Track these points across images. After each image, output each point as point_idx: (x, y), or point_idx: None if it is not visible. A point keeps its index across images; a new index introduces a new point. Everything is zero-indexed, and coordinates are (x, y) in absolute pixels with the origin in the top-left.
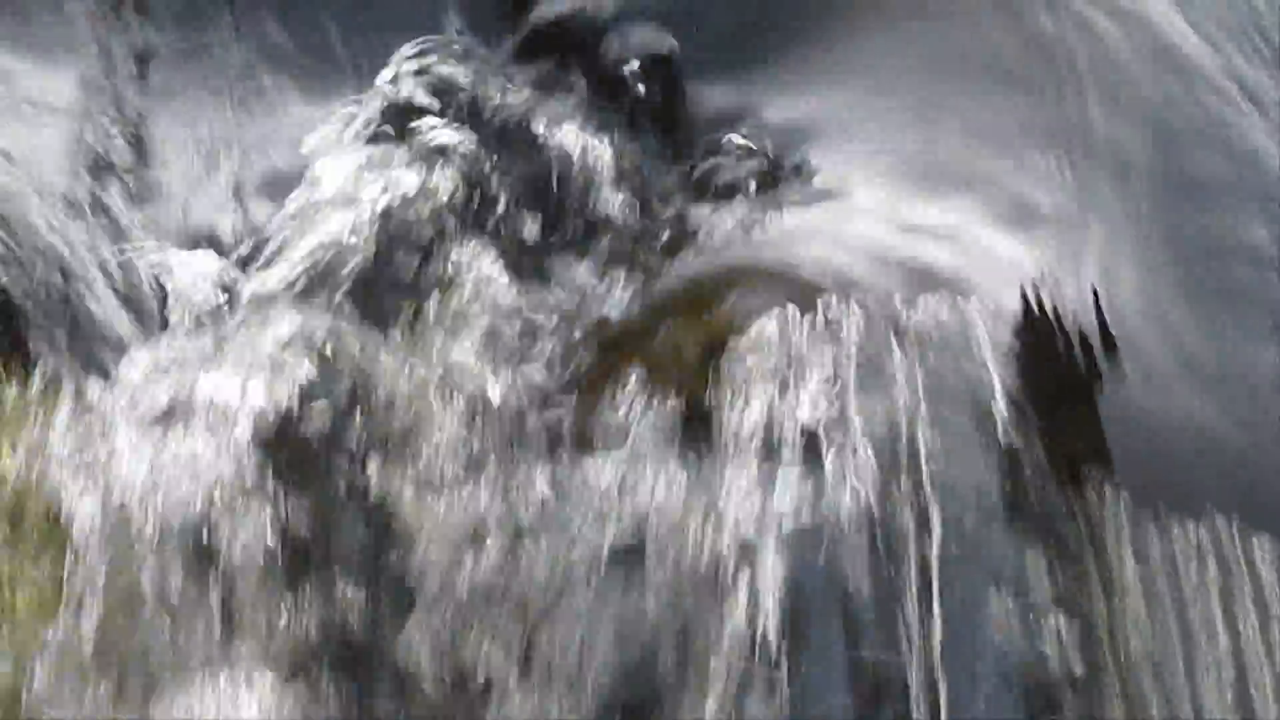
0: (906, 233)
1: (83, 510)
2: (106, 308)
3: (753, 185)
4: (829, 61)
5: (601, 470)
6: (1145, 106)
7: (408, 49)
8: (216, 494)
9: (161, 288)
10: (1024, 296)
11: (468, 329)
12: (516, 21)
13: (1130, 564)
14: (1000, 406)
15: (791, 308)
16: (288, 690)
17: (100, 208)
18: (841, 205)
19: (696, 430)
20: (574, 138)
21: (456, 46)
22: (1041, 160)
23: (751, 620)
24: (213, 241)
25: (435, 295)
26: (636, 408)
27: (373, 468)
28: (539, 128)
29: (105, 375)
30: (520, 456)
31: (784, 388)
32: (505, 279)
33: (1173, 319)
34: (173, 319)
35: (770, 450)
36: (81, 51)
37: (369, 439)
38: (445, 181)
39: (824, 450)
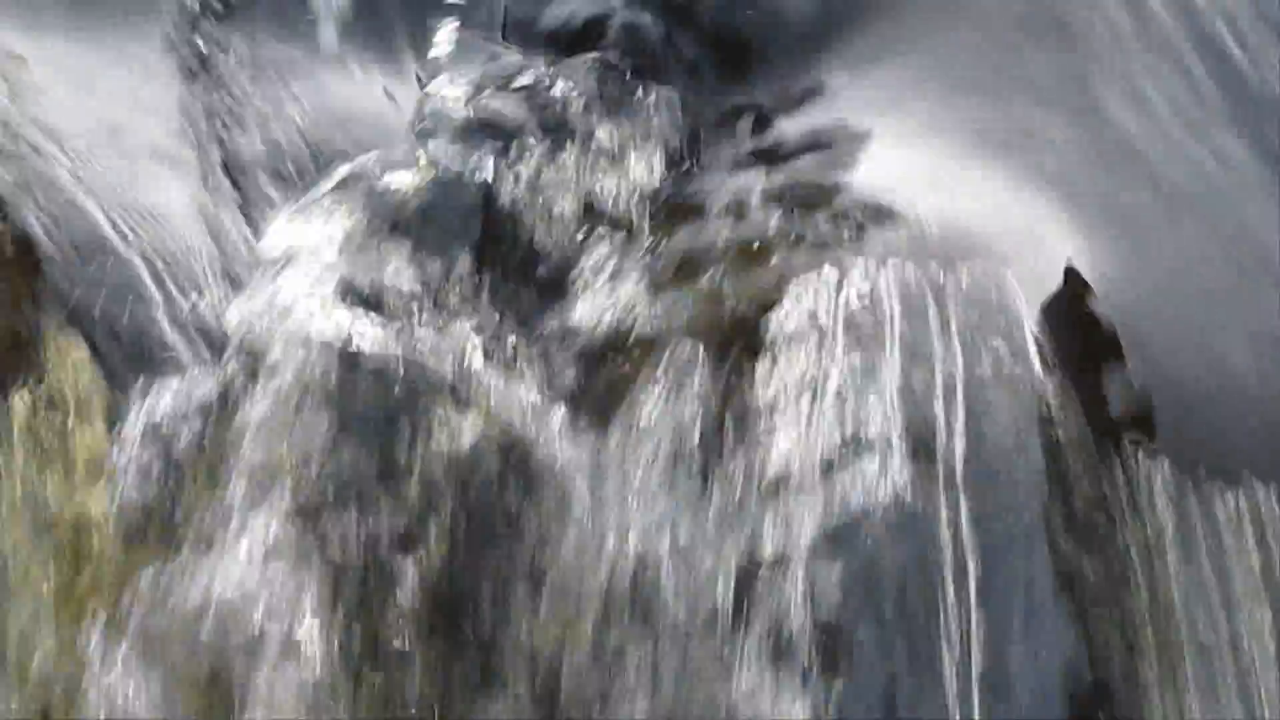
0: (950, 202)
1: None
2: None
3: (799, 154)
4: (884, 32)
5: (635, 442)
6: (1188, 81)
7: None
8: None
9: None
10: (1064, 265)
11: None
12: None
13: (1171, 533)
14: (1039, 375)
15: (830, 273)
16: None
17: None
18: (887, 172)
19: (733, 395)
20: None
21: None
22: (1089, 131)
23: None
24: None
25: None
26: (671, 376)
27: None
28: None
29: None
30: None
31: (821, 355)
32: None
33: (1212, 287)
34: None
35: (807, 418)
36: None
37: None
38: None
39: (860, 418)
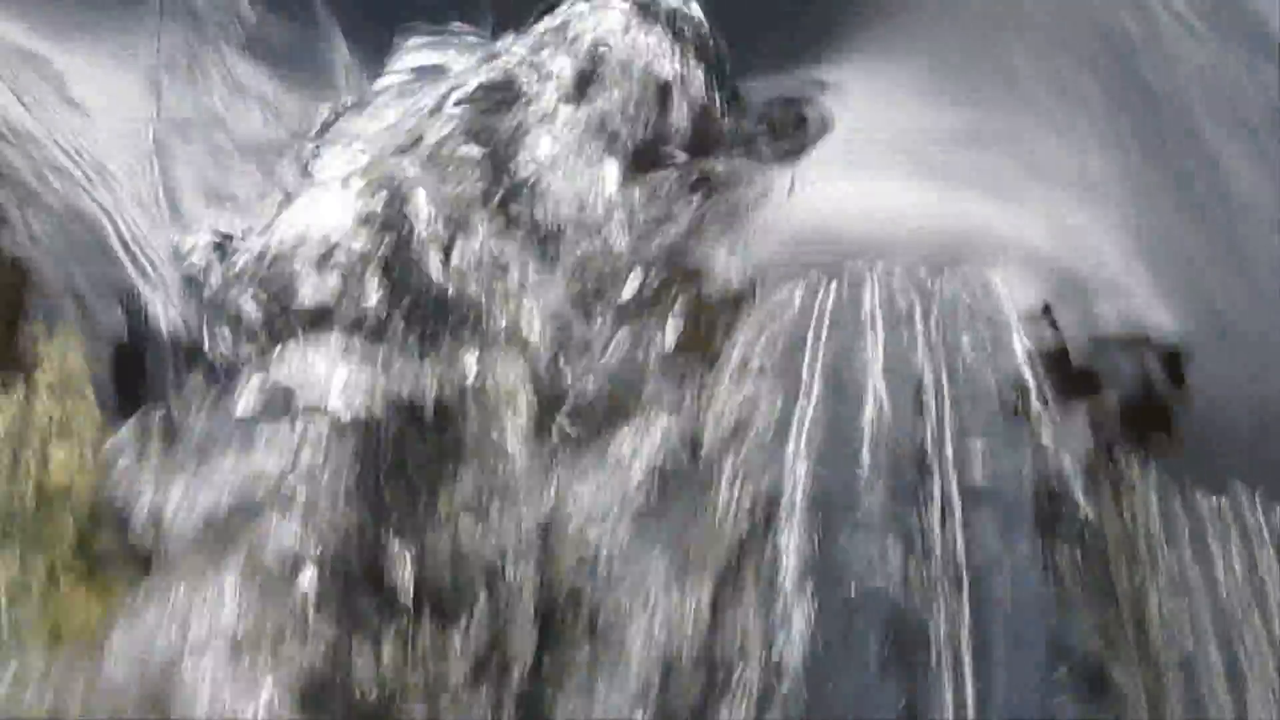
0: (936, 201)
1: None
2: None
3: (787, 147)
4: (874, 26)
5: (626, 430)
6: (1183, 74)
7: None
8: None
9: None
10: (1051, 268)
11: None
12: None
13: (1157, 537)
14: (1025, 378)
15: (815, 273)
16: None
17: None
18: (874, 170)
19: (715, 392)
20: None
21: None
22: (1079, 129)
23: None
24: None
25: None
26: (657, 368)
27: None
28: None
29: None
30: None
31: (805, 354)
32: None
33: (1199, 290)
34: None
35: (788, 419)
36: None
37: None
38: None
39: (844, 419)
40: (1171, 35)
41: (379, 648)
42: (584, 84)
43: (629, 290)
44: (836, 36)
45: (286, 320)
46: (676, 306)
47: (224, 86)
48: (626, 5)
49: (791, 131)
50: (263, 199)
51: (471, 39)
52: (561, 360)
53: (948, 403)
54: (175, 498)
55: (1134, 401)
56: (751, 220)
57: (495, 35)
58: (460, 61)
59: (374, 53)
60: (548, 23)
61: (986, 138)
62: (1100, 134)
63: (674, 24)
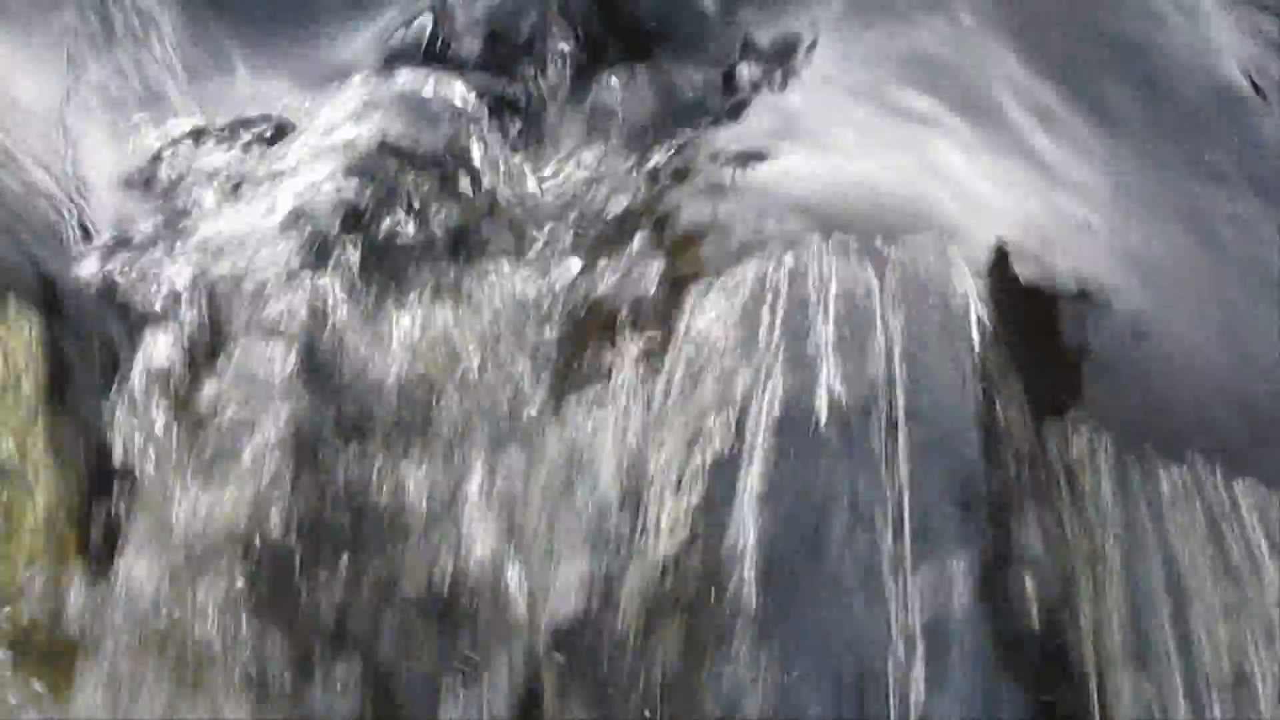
0: (893, 172)
1: None
2: None
3: (740, 117)
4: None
5: (582, 398)
6: (1141, 52)
7: None
8: None
9: None
10: (1008, 239)
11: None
12: None
13: (1113, 508)
14: (981, 348)
15: (772, 245)
16: None
17: None
18: (829, 141)
19: (671, 362)
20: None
21: None
22: (1035, 102)
23: (729, 562)
24: None
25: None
26: (618, 345)
27: None
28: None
29: None
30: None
31: (760, 326)
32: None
33: (1157, 263)
34: None
35: (746, 387)
36: None
37: None
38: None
39: (800, 390)
40: None
41: None
42: None
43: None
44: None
45: None
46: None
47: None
48: None
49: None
50: None
51: None
52: None
53: (902, 370)
54: None
55: (1090, 367)
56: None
57: None
58: None
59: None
60: None
61: (945, 102)
62: (1062, 94)
63: None
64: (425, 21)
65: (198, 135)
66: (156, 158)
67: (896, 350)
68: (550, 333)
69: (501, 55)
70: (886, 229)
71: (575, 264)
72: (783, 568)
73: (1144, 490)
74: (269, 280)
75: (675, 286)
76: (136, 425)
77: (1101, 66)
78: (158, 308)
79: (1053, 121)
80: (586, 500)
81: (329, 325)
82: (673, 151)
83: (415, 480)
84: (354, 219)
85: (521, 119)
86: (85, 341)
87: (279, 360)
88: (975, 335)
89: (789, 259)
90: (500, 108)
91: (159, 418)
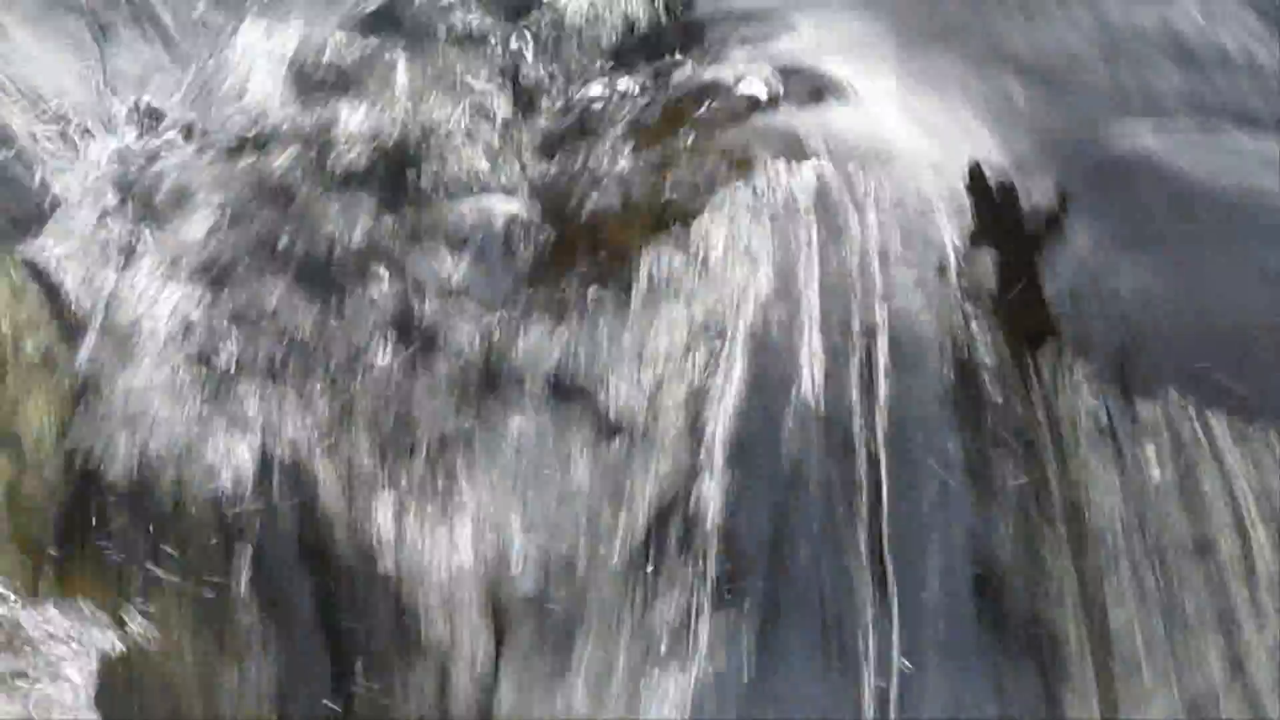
0: (870, 105)
1: None
2: None
3: (719, 54)
4: None
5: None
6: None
7: None
8: None
9: None
10: (985, 172)
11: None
12: None
13: (1088, 441)
14: (957, 283)
15: (752, 174)
16: None
17: None
18: (807, 76)
19: (655, 291)
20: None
21: None
22: (1009, 39)
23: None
24: None
25: None
26: (596, 275)
27: None
28: None
29: None
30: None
31: (740, 253)
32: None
33: (1132, 197)
34: None
35: (725, 316)
36: None
37: None
38: None
39: (776, 317)
40: None
41: None
42: None
43: None
44: None
45: None
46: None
47: None
48: None
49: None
50: None
51: None
52: None
53: (878, 302)
54: None
55: (1065, 299)
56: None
57: None
58: None
59: None
60: None
61: (926, 43)
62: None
63: None
64: None
65: None
66: None
67: (874, 283)
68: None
69: None
70: (862, 160)
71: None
72: (756, 476)
73: (1120, 420)
74: None
75: (656, 212)
76: None
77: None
78: None
79: (1035, 57)
80: None
81: None
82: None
83: None
84: None
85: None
86: None
87: None
88: (952, 265)
89: (763, 186)
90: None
91: None
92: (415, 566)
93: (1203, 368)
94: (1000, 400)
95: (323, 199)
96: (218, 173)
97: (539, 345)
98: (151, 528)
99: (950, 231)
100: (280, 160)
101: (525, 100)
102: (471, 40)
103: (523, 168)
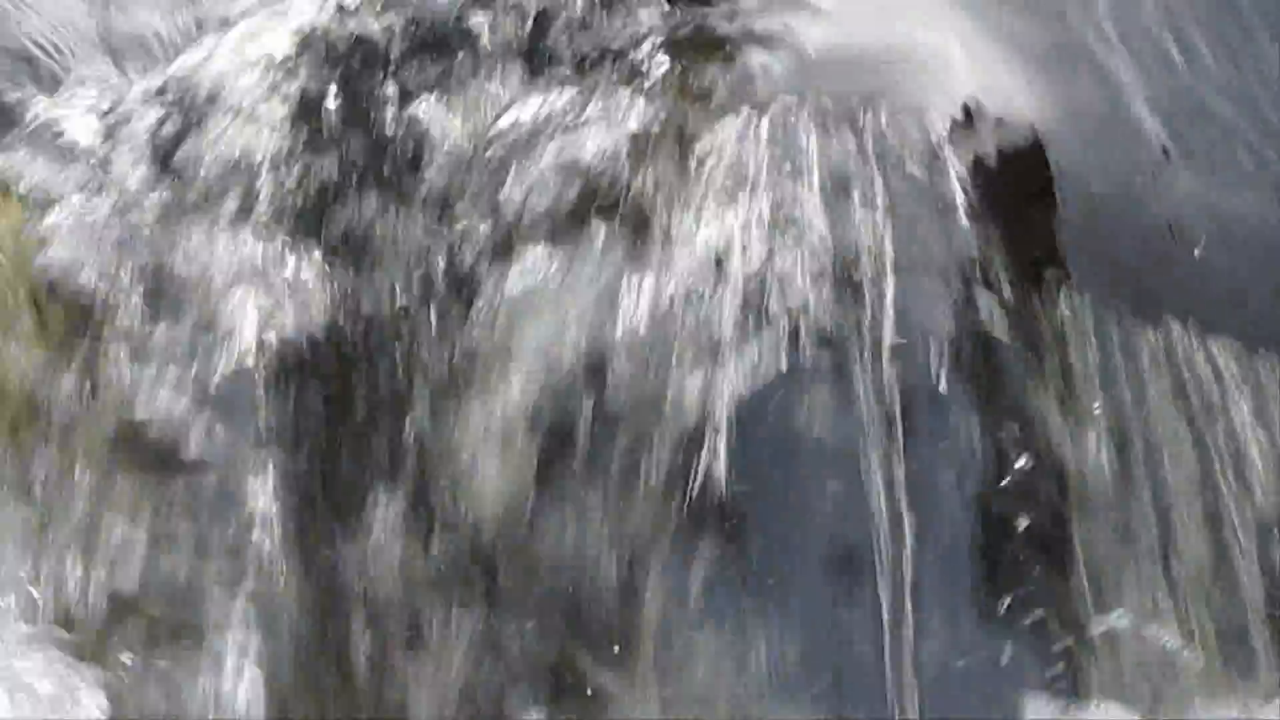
0: (871, 41)
1: None
2: None
3: None
4: None
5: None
6: None
7: None
8: None
9: None
10: (987, 106)
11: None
12: None
13: (1092, 368)
14: (962, 213)
15: (750, 113)
16: None
17: None
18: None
19: (653, 235)
20: None
21: None
22: None
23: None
24: None
25: None
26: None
27: None
28: None
29: None
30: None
31: (742, 192)
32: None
33: (1133, 126)
34: None
35: (727, 255)
36: None
37: None
38: None
39: (780, 255)
40: None
41: None
42: None
43: None
44: None
45: None
46: None
47: None
48: None
49: None
50: None
51: None
52: None
53: (885, 235)
54: None
55: (1069, 230)
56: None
57: None
58: None
59: None
60: None
61: None
62: None
63: None
64: None
65: None
66: None
67: (879, 215)
68: None
69: None
70: (867, 98)
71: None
72: (764, 416)
73: (1122, 350)
74: None
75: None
76: None
77: None
78: None
79: None
80: None
81: None
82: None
83: None
84: None
85: None
86: None
87: None
88: (957, 196)
89: (765, 125)
90: None
91: None
92: None
93: (1206, 295)
94: (1009, 328)
95: None
96: None
97: None
98: None
99: (955, 164)
100: None
101: None
102: None
103: None
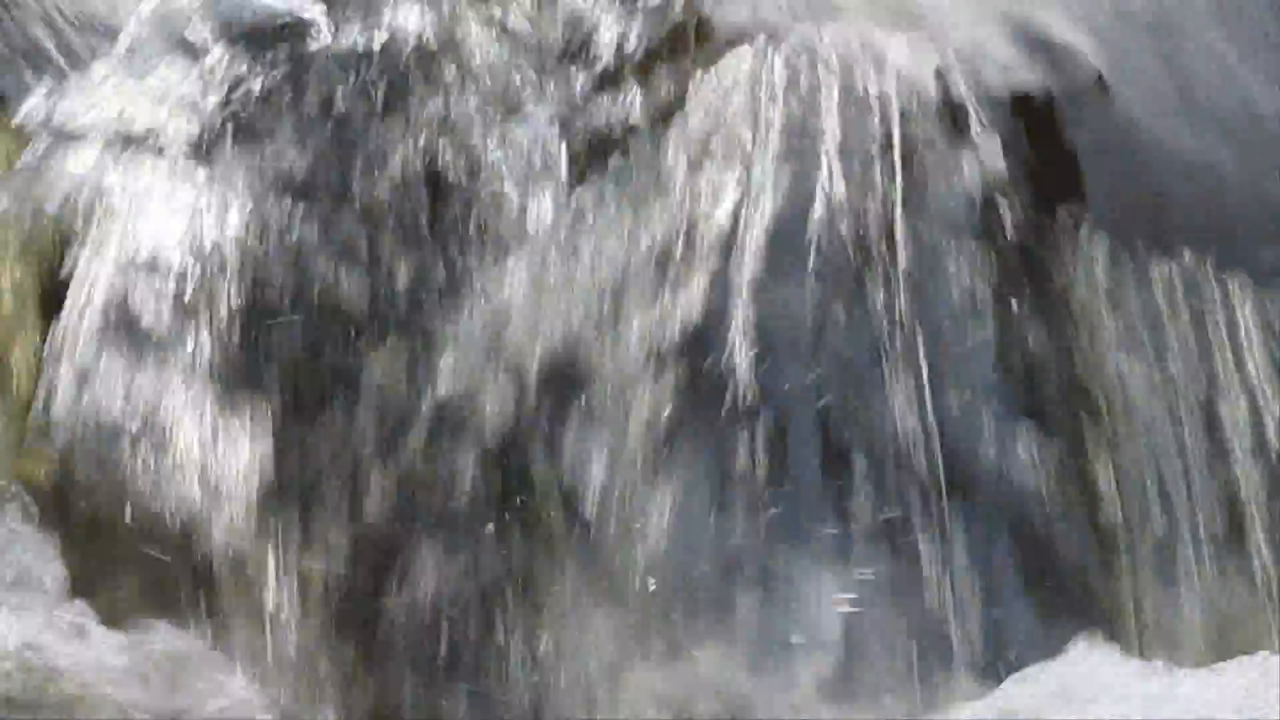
0: None
1: None
2: None
3: None
4: None
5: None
6: None
7: None
8: None
9: None
10: (1003, 32)
11: None
12: None
13: (1106, 300)
14: (978, 143)
15: (762, 40)
16: None
17: None
18: None
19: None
20: None
21: None
22: None
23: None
24: None
25: None
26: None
27: None
28: None
29: None
30: None
31: (759, 117)
32: None
33: (1153, 56)
34: None
35: (747, 167)
36: None
37: None
38: None
39: (799, 176)
40: None
41: None
42: None
43: None
44: None
45: None
46: None
47: None
48: None
49: None
50: None
51: None
52: None
53: (899, 160)
54: None
55: (1084, 164)
56: None
57: None
58: None
59: None
60: None
61: None
62: None
63: None
64: None
65: None
66: None
67: (894, 140)
68: None
69: None
70: (881, 24)
71: None
72: (780, 334)
73: (1136, 284)
74: None
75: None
76: None
77: None
78: None
79: None
80: None
81: None
82: None
83: None
84: None
85: None
86: None
87: None
88: (974, 129)
89: (777, 53)
90: None
91: None
92: None
93: (1221, 229)
94: (1025, 261)
95: None
96: None
97: None
98: None
99: (970, 93)
100: None
101: None
102: None
103: None
